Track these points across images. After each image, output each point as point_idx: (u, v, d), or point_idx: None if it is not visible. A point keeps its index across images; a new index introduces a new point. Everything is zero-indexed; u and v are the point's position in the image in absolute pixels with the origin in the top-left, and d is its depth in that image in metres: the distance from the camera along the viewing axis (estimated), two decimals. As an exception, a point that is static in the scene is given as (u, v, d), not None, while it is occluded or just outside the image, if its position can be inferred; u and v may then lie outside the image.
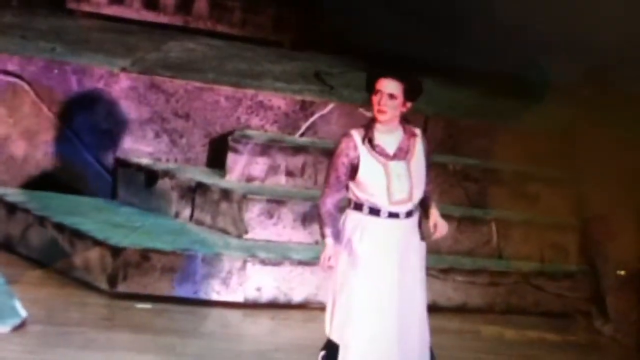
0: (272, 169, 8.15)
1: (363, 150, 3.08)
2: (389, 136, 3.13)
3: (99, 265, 7.15)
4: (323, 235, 3.24)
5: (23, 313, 6.34)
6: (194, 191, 7.98)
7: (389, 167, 3.06)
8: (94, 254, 7.16)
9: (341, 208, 3.32)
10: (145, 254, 7.06)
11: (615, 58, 8.66)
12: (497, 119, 9.10)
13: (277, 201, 7.74)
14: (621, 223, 9.61)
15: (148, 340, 6.29)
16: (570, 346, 7.70)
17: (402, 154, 3.13)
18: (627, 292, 9.36)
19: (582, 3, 9.25)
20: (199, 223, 7.90)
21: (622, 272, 10.07)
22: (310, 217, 7.69)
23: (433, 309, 4.12)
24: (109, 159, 8.38)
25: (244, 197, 7.68)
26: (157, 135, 8.50)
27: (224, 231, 7.74)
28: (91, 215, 7.74)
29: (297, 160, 8.20)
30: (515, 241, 9.63)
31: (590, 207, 9.93)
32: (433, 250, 3.98)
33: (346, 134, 3.17)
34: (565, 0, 9.35)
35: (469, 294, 8.16)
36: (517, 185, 9.51)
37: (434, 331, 3.98)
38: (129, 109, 8.43)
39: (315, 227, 7.03)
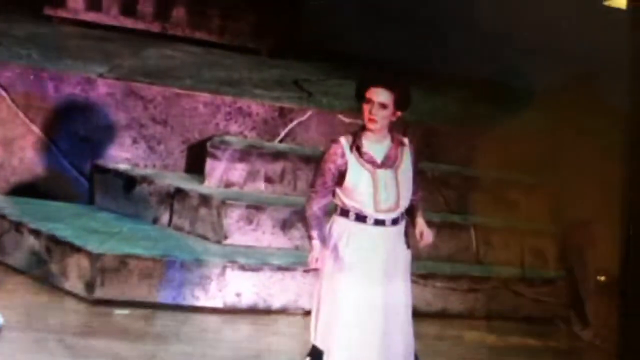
0: (251, 175, 8.13)
1: (351, 158, 3.09)
2: (377, 144, 3.14)
3: (76, 272, 7.08)
4: (310, 237, 3.22)
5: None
6: (172, 197, 7.94)
7: (376, 175, 3.08)
8: (71, 260, 7.08)
9: (328, 212, 3.30)
10: (123, 260, 7.01)
11: (596, 66, 8.76)
12: (476, 126, 9.15)
13: (256, 207, 7.72)
14: (601, 229, 9.68)
15: (127, 346, 6.22)
16: (551, 352, 7.73)
17: (390, 162, 3.15)
18: (606, 297, 9.43)
19: (562, 10, 9.36)
20: (178, 229, 7.86)
21: (602, 278, 10.14)
22: (290, 223, 7.69)
23: (413, 314, 4.12)
24: (87, 165, 8.31)
25: (223, 202, 7.65)
26: (134, 141, 8.45)
27: (203, 237, 7.71)
28: (68, 221, 7.66)
29: (276, 167, 8.20)
30: (495, 247, 9.68)
31: (570, 214, 10.01)
32: (413, 256, 3.95)
33: (335, 141, 3.17)
34: (545, 7, 9.45)
35: (449, 299, 8.14)
36: (496, 191, 9.57)
37: (414, 337, 3.98)
38: (107, 115, 8.37)
39: (295, 233, 7.14)
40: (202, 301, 7.16)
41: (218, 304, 7.19)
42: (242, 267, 7.21)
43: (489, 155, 10.09)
